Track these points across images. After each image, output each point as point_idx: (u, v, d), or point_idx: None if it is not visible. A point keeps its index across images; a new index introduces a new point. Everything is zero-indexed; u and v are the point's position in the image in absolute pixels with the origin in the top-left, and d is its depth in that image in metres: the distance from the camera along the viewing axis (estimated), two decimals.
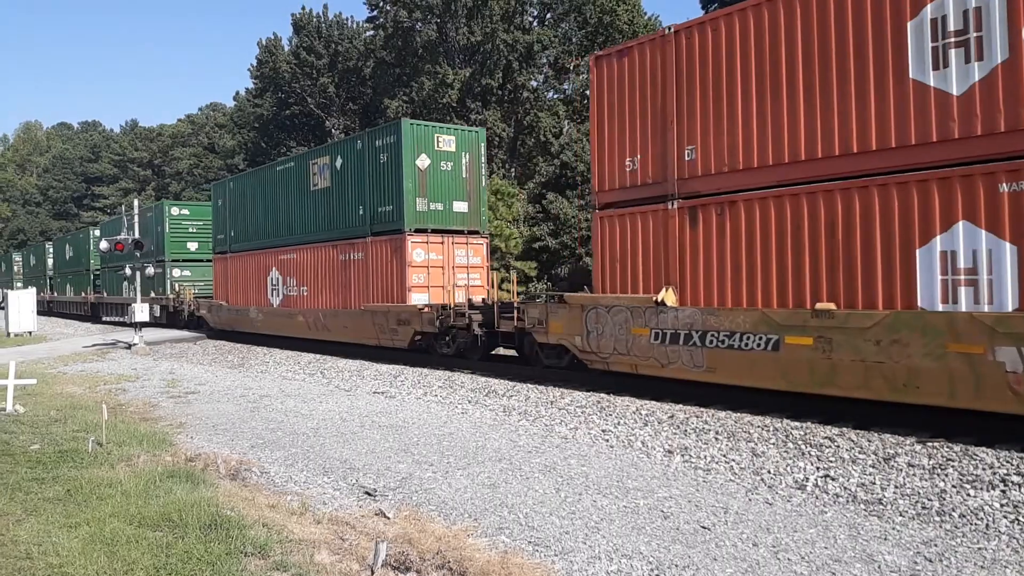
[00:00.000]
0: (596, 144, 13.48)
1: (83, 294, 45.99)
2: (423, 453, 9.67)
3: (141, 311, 26.43)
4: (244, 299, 26.49)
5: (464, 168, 19.19)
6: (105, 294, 41.55)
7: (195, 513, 6.41)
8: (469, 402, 13.19)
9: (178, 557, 5.56)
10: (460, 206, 19.18)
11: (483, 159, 19.62)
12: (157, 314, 32.93)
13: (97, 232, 43.65)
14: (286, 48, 49.98)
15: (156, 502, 6.90)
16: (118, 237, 28.69)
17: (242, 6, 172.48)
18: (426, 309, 17.47)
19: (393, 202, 18.68)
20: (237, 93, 60.37)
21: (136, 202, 31.77)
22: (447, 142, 18.95)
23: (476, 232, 19.57)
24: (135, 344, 25.81)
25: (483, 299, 17.68)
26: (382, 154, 19.04)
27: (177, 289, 33.35)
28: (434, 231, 18.67)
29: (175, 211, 35.35)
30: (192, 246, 35.01)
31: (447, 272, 18.78)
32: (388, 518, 7.08)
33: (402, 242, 18.31)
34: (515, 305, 15.20)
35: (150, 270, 30.19)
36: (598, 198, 13.44)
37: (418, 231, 18.43)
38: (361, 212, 19.83)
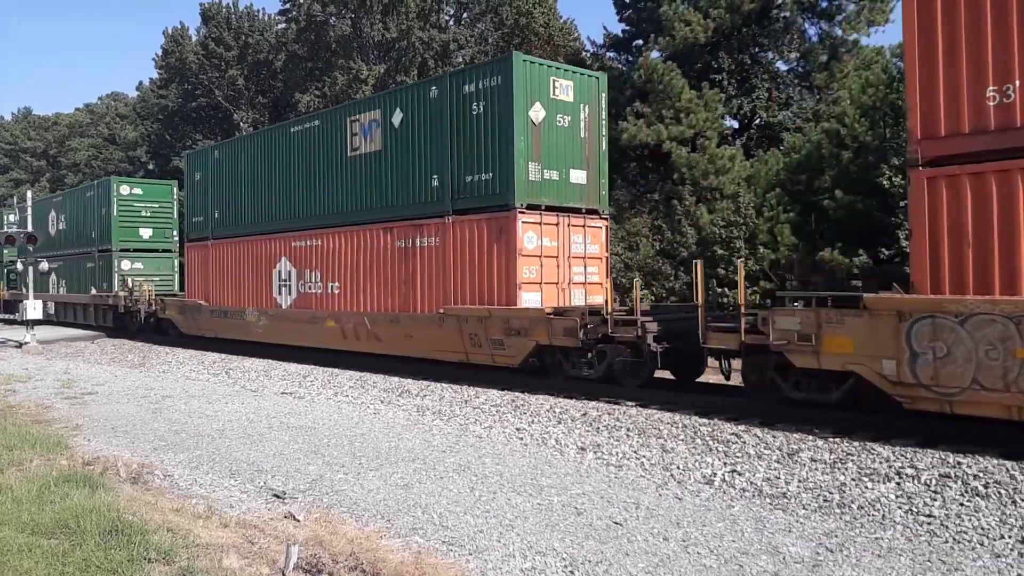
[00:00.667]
0: (920, 68, 8.85)
1: None
2: (334, 454, 9.51)
3: (33, 308, 25.19)
4: (235, 298, 21.00)
5: (583, 125, 14.81)
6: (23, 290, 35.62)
7: (94, 519, 6.13)
8: (382, 402, 13.03)
9: (76, 566, 5.30)
10: (578, 176, 14.68)
11: (604, 114, 15.26)
12: (101, 319, 27.86)
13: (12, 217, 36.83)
14: (193, 38, 48.42)
15: (51, 508, 6.57)
16: (7, 230, 27.24)
17: None
18: (557, 315, 12.96)
19: (494, 168, 13.93)
20: (140, 83, 58.40)
21: (29, 194, 30.27)
22: (564, 88, 14.47)
23: (595, 212, 15.05)
24: (26, 343, 24.56)
25: (604, 301, 13.03)
26: (475, 103, 14.26)
27: (130, 285, 26.62)
28: (548, 208, 14.09)
29: (125, 190, 28.73)
30: (145, 233, 28.75)
31: (562, 264, 14.35)
32: (298, 520, 6.93)
33: (510, 222, 13.56)
34: (743, 311, 10.64)
35: (44, 265, 28.50)
36: (925, 149, 8.81)
37: (530, 207, 13.80)
38: (436, 183, 14.97)
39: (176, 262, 29.39)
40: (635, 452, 9.20)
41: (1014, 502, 6.80)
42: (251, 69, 46.45)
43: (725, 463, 8.55)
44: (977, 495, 7.03)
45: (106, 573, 5.17)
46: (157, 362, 19.94)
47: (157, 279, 28.02)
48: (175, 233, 29.49)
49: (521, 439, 10.15)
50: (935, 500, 7.05)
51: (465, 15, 42.31)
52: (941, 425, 8.91)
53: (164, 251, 29.08)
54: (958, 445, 8.24)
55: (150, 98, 53.05)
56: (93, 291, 28.37)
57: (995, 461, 7.54)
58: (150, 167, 50.97)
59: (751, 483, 7.93)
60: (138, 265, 28.28)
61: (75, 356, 22.46)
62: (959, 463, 7.59)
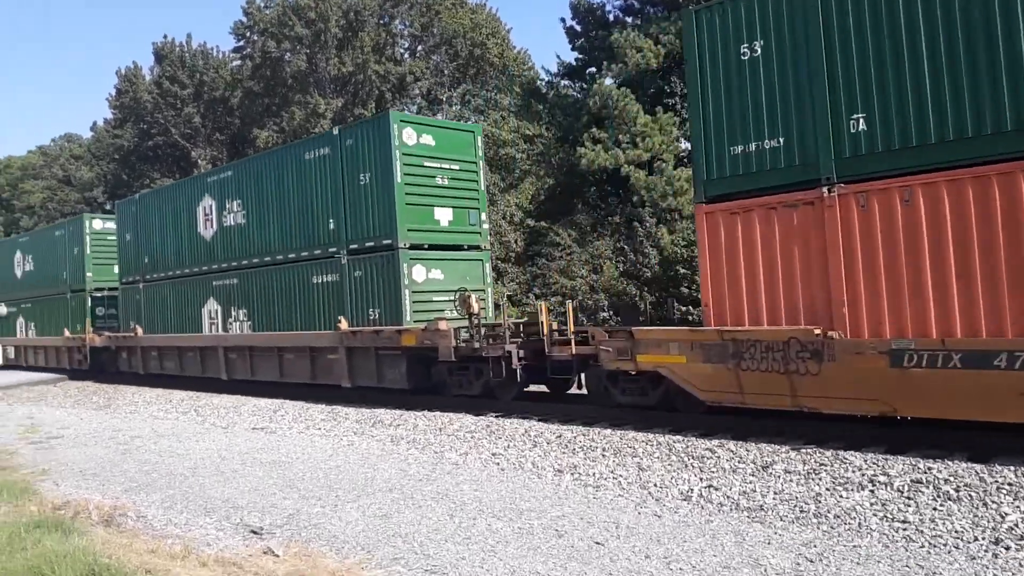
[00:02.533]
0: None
1: None
2: (309, 488, 9.41)
3: None
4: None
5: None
6: None
7: (69, 564, 6.00)
8: (355, 433, 12.94)
9: None
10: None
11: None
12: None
13: None
14: (147, 77, 48.11)
15: (23, 555, 6.42)
16: None
17: (97, 35, 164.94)
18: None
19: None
20: (95, 123, 57.64)
21: None
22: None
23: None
24: None
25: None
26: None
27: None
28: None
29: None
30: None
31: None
32: (277, 556, 6.86)
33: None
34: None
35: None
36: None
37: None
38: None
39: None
40: (612, 472, 9.24)
41: (985, 504, 6.95)
42: (207, 106, 46.24)
43: (701, 478, 8.63)
44: (949, 499, 7.17)
45: None
46: (123, 403, 19.58)
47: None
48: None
49: (498, 464, 10.14)
50: (909, 506, 7.18)
51: (420, 48, 42.62)
52: (909, 432, 9.09)
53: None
54: (927, 451, 8.42)
55: (105, 138, 52.50)
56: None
57: (964, 465, 7.70)
58: (107, 208, 50.30)
59: (728, 497, 8.01)
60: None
61: (38, 400, 21.97)
62: (930, 468, 7.74)
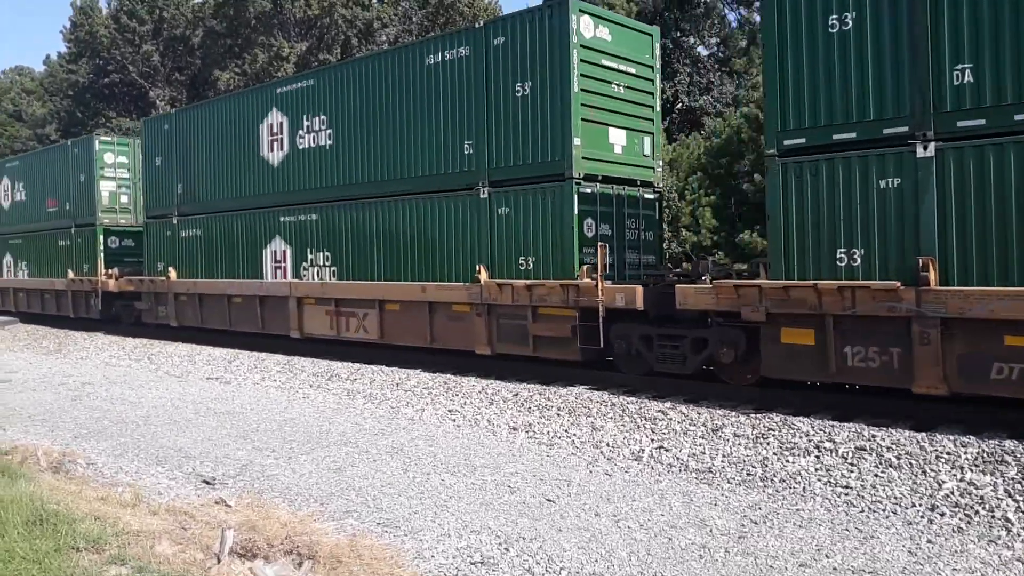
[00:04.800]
0: None
1: None
2: (263, 439, 9.40)
3: None
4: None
5: None
6: None
7: (15, 509, 5.92)
8: (311, 386, 12.91)
9: None
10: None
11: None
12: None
13: None
14: (104, 11, 46.52)
15: None
16: None
17: None
18: None
19: None
20: (48, 57, 55.80)
21: None
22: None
23: None
24: None
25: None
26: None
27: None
28: None
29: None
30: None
31: None
32: (230, 506, 6.85)
33: None
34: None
35: None
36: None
37: None
38: None
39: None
40: (565, 431, 9.36)
41: (924, 472, 7.18)
42: (167, 45, 44.91)
43: (652, 439, 8.78)
44: (890, 466, 7.39)
45: (32, 564, 5.02)
46: (75, 348, 19.28)
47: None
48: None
49: (454, 420, 10.21)
50: (852, 472, 7.39)
51: None
52: (857, 399, 9.32)
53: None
54: (872, 419, 8.64)
55: (59, 73, 50.85)
56: (71, 275, 23.25)
57: (907, 433, 7.92)
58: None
59: (677, 459, 8.17)
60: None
61: None
62: (874, 436, 7.95)
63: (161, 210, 19.93)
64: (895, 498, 6.81)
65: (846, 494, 6.98)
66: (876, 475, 7.27)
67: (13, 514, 5.74)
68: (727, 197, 18.82)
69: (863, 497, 6.88)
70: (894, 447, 7.66)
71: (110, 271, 21.33)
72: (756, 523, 6.39)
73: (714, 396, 10.17)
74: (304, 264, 16.05)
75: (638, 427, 9.25)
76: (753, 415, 9.10)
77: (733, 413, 9.31)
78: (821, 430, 8.30)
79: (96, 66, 46.12)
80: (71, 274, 22.87)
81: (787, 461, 7.79)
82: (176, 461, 8.48)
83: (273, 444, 9.14)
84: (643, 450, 8.51)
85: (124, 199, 22.47)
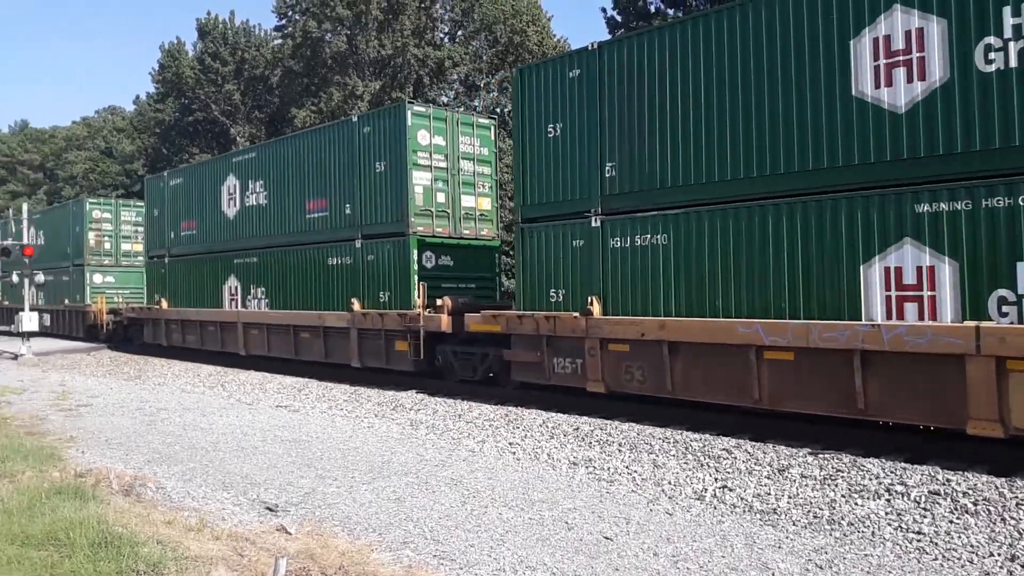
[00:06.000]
0: None
1: None
2: (327, 467, 9.51)
3: (29, 320, 25.17)
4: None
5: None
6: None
7: (83, 531, 6.12)
8: (376, 416, 13.04)
9: None
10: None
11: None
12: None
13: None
14: (190, 53, 48.69)
15: (41, 520, 6.56)
16: (6, 243, 27.27)
17: (142, 8, 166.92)
18: None
19: None
20: (137, 97, 58.56)
21: (25, 206, 30.31)
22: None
23: None
24: (22, 355, 24.53)
25: None
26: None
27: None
28: None
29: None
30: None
31: None
32: (290, 533, 6.94)
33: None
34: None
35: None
36: None
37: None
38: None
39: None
40: (627, 467, 9.21)
41: (1003, 520, 6.83)
42: (247, 84, 46.68)
43: (716, 479, 8.58)
44: (967, 512, 7.06)
45: None
46: (153, 375, 19.92)
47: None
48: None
49: (514, 453, 10.17)
50: (925, 517, 7.08)
51: (460, 33, 42.59)
52: (929, 442, 8.96)
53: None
54: (947, 462, 8.29)
55: (147, 112, 53.27)
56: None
57: (984, 478, 7.58)
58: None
59: (742, 499, 7.95)
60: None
61: (71, 368, 22.44)
62: (948, 480, 7.62)
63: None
64: (971, 546, 6.48)
65: (918, 540, 6.68)
66: (951, 521, 6.95)
67: (81, 536, 5.93)
68: None
69: (936, 544, 6.57)
70: (971, 492, 7.32)
71: (442, 300, 15.21)
72: (821, 568, 6.16)
73: (782, 435, 9.90)
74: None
75: (701, 465, 9.06)
76: (821, 455, 8.82)
77: (800, 452, 9.05)
78: (892, 472, 7.99)
79: (181, 105, 48.18)
80: (356, 305, 16.89)
81: (856, 504, 7.51)
82: (242, 487, 8.63)
83: (336, 472, 9.24)
84: (706, 489, 8.32)
85: (441, 197, 16.77)
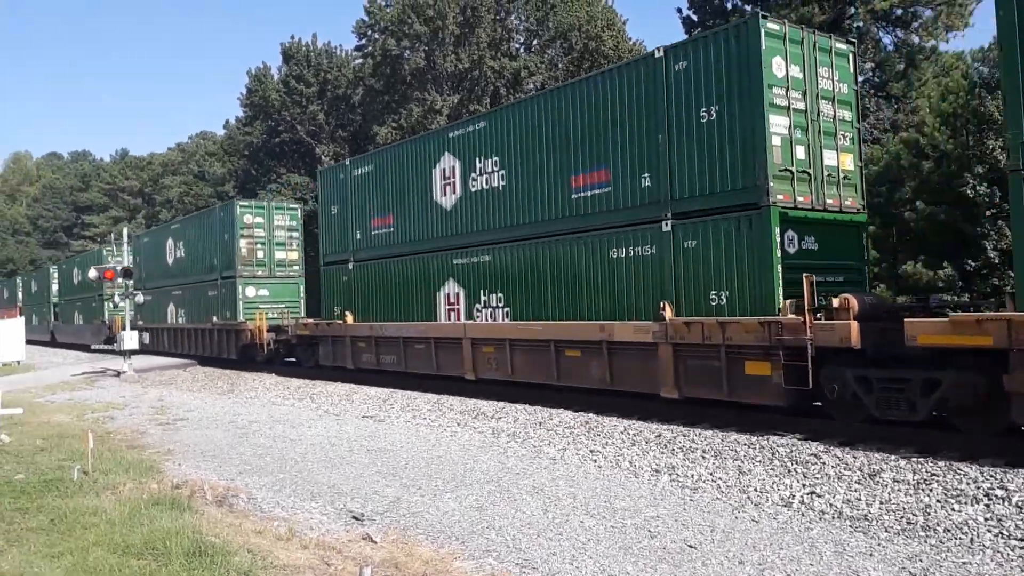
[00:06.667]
0: None
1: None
2: (411, 477, 9.66)
3: (130, 338, 26.34)
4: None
5: None
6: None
7: (179, 540, 6.39)
8: (458, 424, 13.17)
9: None
10: None
11: None
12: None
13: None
14: (275, 77, 50.24)
15: (140, 530, 6.87)
16: (105, 265, 28.56)
17: (231, 37, 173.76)
18: None
19: None
20: (227, 121, 60.54)
21: (125, 231, 31.73)
22: None
23: None
24: (124, 372, 25.71)
25: None
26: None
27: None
28: None
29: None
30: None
31: None
32: (375, 542, 7.07)
33: None
34: None
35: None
36: None
37: None
38: None
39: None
40: (711, 474, 9.06)
41: None
42: (331, 104, 47.87)
43: (804, 484, 8.35)
44: None
45: None
46: (244, 389, 20.60)
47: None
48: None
49: (595, 461, 10.12)
50: None
51: (535, 42, 42.77)
52: None
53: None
54: None
55: (236, 135, 55.16)
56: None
57: None
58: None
59: (831, 505, 7.73)
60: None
61: (168, 384, 23.39)
62: None
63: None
64: None
65: (1021, 548, 6.35)
66: None
67: (176, 545, 6.18)
68: (887, 227, 17.90)
69: None
70: None
71: (839, 300, 10.55)
72: None
73: (872, 439, 9.57)
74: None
75: (788, 471, 8.84)
76: (915, 459, 8.50)
77: (892, 457, 8.73)
78: (991, 476, 7.64)
79: (268, 127, 49.74)
80: (669, 311, 12.37)
81: (952, 509, 7.20)
82: (329, 497, 8.84)
83: (420, 481, 9.37)
84: (793, 496, 8.11)
85: (800, 153, 11.90)
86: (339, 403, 16.61)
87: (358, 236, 20.13)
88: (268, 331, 24.39)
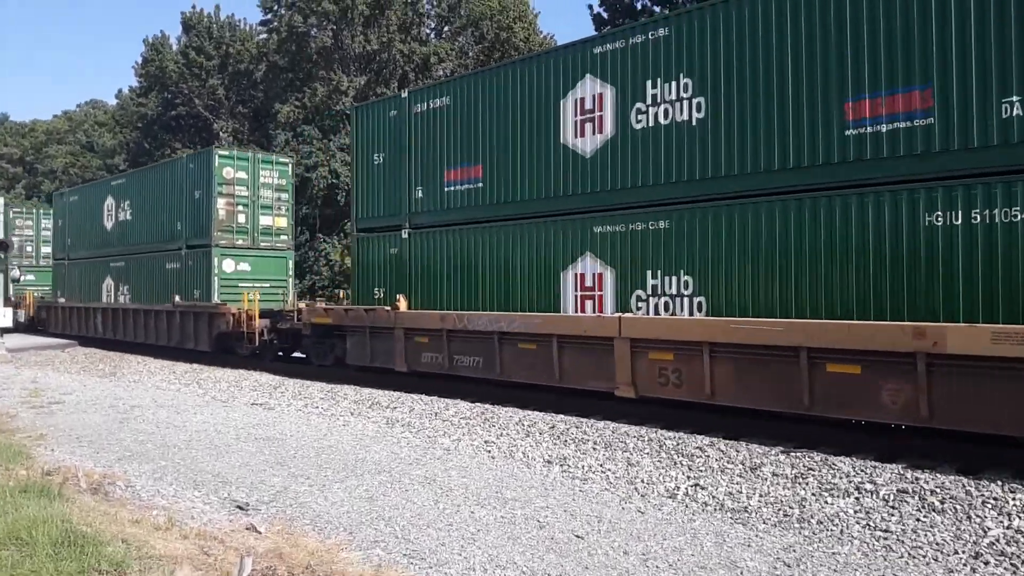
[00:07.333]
0: None
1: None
2: (300, 466, 9.46)
3: (1, 316, 24.90)
4: None
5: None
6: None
7: (46, 530, 6.04)
8: (351, 414, 12.99)
9: None
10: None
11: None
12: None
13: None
14: (174, 47, 48.37)
15: (3, 519, 6.46)
16: None
17: (126, 1, 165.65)
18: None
19: None
20: (120, 91, 57.98)
21: (2, 200, 29.95)
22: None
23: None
24: None
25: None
26: None
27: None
28: None
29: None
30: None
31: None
32: (259, 532, 6.89)
33: None
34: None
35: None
36: None
37: None
38: None
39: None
40: (601, 466, 9.22)
41: (969, 517, 6.88)
42: (231, 79, 46.41)
43: (689, 477, 8.59)
44: (933, 510, 7.11)
45: None
46: (128, 372, 19.76)
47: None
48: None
49: (488, 452, 10.15)
50: (892, 515, 7.12)
51: (446, 28, 42.54)
52: (903, 440, 9.01)
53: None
54: (916, 460, 8.34)
55: (129, 106, 52.90)
56: (177, 299, 21.59)
57: (952, 476, 7.63)
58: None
59: (713, 497, 7.97)
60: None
61: (45, 364, 22.22)
62: (917, 478, 7.67)
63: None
64: (937, 544, 6.52)
65: (885, 539, 6.71)
66: (918, 519, 6.99)
67: (43, 535, 5.86)
68: None
69: (903, 542, 6.61)
70: (938, 491, 7.37)
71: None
72: (789, 566, 6.18)
73: (755, 434, 9.93)
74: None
75: (675, 464, 9.07)
76: (793, 453, 8.86)
77: (773, 451, 9.08)
78: (863, 471, 8.04)
79: (164, 99, 47.85)
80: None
81: (826, 502, 7.55)
82: (213, 486, 8.57)
83: (309, 471, 9.19)
84: (678, 488, 8.33)
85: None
86: (227, 389, 16.13)
87: (419, 194, 15.36)
88: (261, 317, 19.32)
